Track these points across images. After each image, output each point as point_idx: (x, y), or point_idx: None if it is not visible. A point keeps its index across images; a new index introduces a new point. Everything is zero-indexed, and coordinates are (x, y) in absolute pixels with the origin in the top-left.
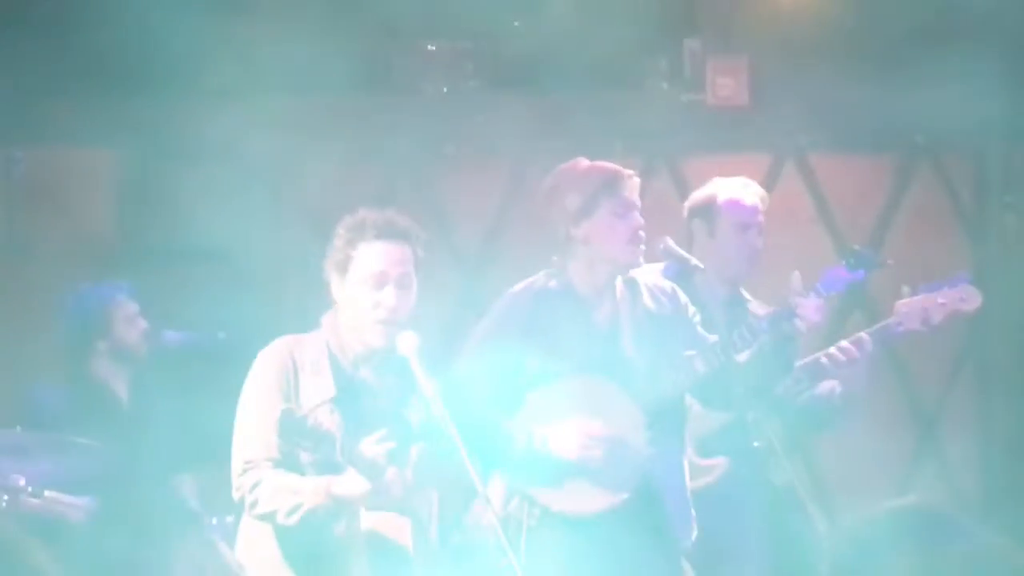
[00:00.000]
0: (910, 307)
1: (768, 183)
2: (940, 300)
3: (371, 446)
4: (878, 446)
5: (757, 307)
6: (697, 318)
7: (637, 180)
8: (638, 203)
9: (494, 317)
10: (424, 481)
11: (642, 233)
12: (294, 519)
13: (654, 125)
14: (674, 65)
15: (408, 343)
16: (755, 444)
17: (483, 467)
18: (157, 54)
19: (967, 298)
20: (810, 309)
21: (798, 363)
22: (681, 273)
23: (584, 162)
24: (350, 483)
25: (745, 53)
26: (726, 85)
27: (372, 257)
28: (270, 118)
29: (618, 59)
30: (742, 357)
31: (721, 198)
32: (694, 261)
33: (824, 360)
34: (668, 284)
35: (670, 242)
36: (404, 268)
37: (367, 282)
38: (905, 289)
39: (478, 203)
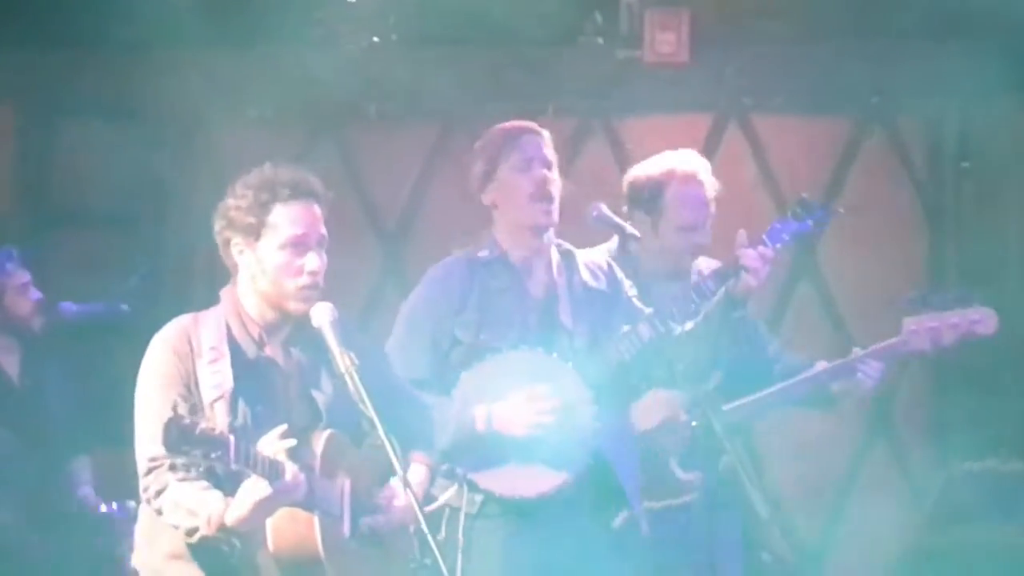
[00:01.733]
0: (919, 326)
1: (709, 145)
2: (953, 320)
3: (271, 444)
4: (827, 428)
5: (703, 264)
6: (633, 292)
7: (544, 134)
8: (546, 157)
9: (424, 289)
10: (333, 470)
11: (550, 186)
12: (193, 540)
13: (589, 83)
14: (610, 19)
15: (323, 314)
16: (692, 424)
17: (404, 448)
18: (58, 2)
19: (983, 320)
20: (756, 259)
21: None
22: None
23: (497, 126)
24: (245, 500)
25: (685, 7)
26: (665, 41)
27: (290, 219)
28: (180, 73)
29: (551, 13)
30: (688, 326)
31: (669, 193)
32: (629, 229)
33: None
34: (604, 259)
35: (603, 208)
36: (321, 229)
37: (287, 248)
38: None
39: (401, 166)
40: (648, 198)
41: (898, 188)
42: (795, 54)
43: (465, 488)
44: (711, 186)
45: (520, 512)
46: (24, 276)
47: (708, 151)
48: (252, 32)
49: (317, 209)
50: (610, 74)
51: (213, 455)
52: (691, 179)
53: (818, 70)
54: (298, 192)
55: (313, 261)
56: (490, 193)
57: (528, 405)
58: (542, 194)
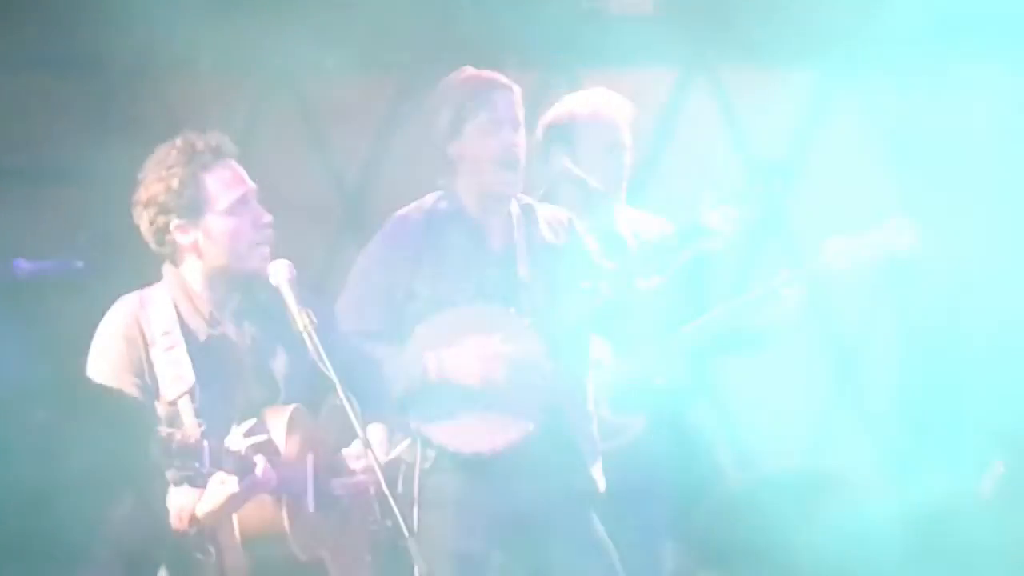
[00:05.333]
0: (841, 246)
1: (675, 98)
2: (872, 238)
3: (238, 440)
4: (793, 385)
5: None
6: (595, 247)
7: (516, 91)
8: (516, 118)
9: (380, 241)
10: (297, 447)
11: (517, 152)
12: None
13: (551, 34)
14: None
15: (280, 272)
16: (657, 381)
17: (364, 408)
18: None
19: (901, 231)
20: (719, 219)
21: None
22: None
23: (466, 72)
24: (216, 495)
25: None
26: None
27: (224, 183)
28: (130, 25)
29: None
30: (652, 283)
31: (581, 117)
32: (593, 183)
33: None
34: (564, 214)
35: (567, 163)
36: (251, 183)
37: (233, 212)
38: (783, 271)
39: (360, 122)
40: (561, 125)
41: (868, 142)
42: (762, 4)
43: (418, 443)
44: (623, 106)
45: (473, 467)
46: None
47: (673, 105)
48: None
49: (237, 164)
50: (573, 25)
51: (191, 466)
52: (601, 100)
53: (787, 19)
54: (218, 154)
55: (261, 215)
56: (456, 147)
57: (479, 357)
58: (509, 160)
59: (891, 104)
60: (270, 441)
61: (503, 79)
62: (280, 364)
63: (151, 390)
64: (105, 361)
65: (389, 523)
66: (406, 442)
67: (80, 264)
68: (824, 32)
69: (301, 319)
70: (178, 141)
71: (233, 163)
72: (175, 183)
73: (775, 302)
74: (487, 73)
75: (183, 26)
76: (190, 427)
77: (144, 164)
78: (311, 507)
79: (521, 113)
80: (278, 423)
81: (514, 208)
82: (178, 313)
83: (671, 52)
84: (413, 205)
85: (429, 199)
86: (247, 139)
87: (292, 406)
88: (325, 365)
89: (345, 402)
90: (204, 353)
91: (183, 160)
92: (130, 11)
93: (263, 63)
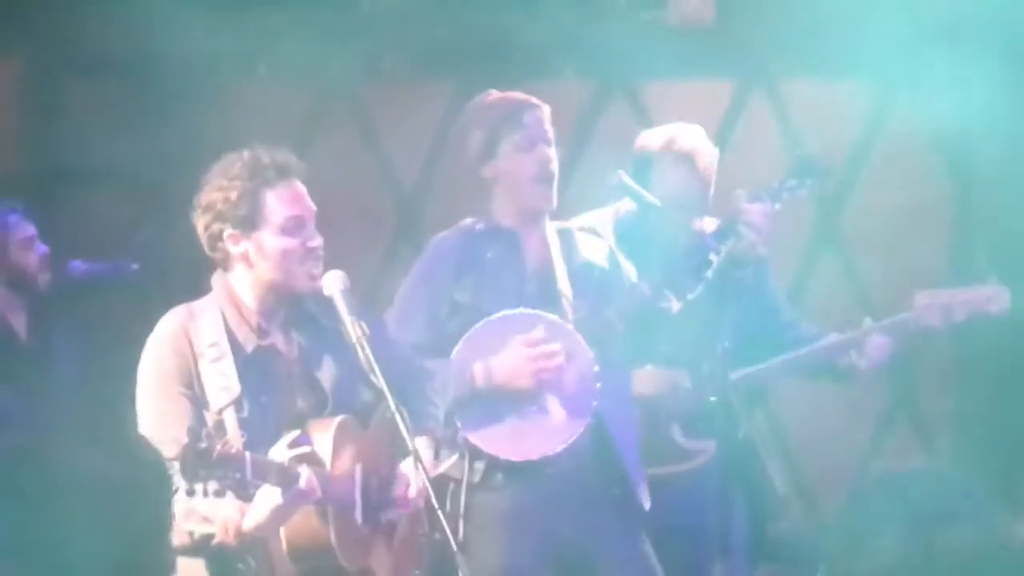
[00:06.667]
0: (930, 301)
1: (734, 110)
2: (965, 296)
3: (282, 451)
4: (848, 402)
5: (707, 224)
6: (632, 273)
7: (545, 110)
8: (547, 135)
9: (420, 262)
10: (345, 459)
11: (552, 167)
12: (207, 550)
13: (611, 45)
14: None
15: (334, 282)
16: (711, 399)
17: (413, 420)
18: None
19: (995, 298)
20: (755, 214)
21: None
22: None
23: (492, 95)
24: (262, 508)
25: None
26: (690, 2)
27: (284, 202)
28: (189, 29)
29: None
30: (690, 297)
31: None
32: (650, 198)
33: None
34: (604, 242)
35: (624, 176)
36: (311, 204)
37: (287, 232)
38: (867, 321)
39: (417, 127)
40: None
41: (925, 156)
42: (823, 15)
43: (466, 457)
44: (707, 161)
45: (522, 480)
46: (29, 229)
47: (732, 116)
48: None
49: (300, 185)
50: (633, 36)
51: (232, 476)
52: (684, 157)
53: (846, 32)
54: (283, 173)
55: (314, 238)
56: (490, 168)
57: (528, 354)
58: (545, 175)
59: (948, 117)
60: (314, 452)
61: (532, 99)
62: (328, 374)
63: (200, 401)
64: (155, 371)
65: (438, 535)
66: (454, 457)
67: (135, 266)
68: (882, 45)
69: (354, 330)
70: (245, 153)
71: (297, 183)
72: (234, 195)
73: (858, 348)
74: (514, 94)
75: (242, 32)
76: (232, 437)
77: (209, 168)
78: (359, 519)
79: (551, 129)
80: (324, 434)
81: (550, 228)
82: (226, 324)
83: (730, 64)
84: (450, 229)
85: (466, 222)
86: (303, 145)
87: (340, 417)
88: (376, 376)
89: (396, 415)
90: (252, 364)
91: (247, 174)
92: (189, 17)
93: (320, 69)
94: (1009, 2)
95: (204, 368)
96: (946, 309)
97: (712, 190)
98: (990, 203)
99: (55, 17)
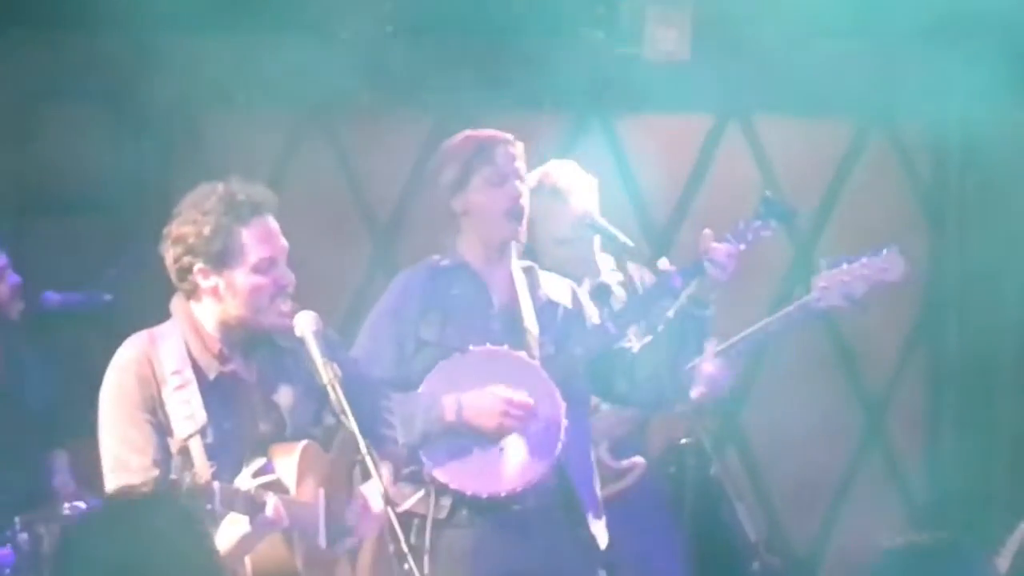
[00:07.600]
0: (829, 281)
1: (709, 145)
2: (861, 272)
3: (247, 480)
4: (822, 437)
5: (632, 269)
6: (595, 314)
7: (518, 146)
8: (519, 170)
9: (385, 297)
10: (308, 484)
11: (523, 203)
12: None
13: (586, 79)
14: (610, 13)
15: (306, 323)
16: (683, 441)
17: (375, 446)
18: None
19: (890, 267)
20: (721, 253)
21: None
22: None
23: (466, 133)
24: (228, 536)
25: (688, 2)
26: (667, 38)
27: (258, 240)
28: (164, 58)
29: (549, 5)
30: (647, 339)
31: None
32: (622, 237)
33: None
34: (567, 282)
35: (596, 216)
36: (283, 242)
37: (259, 270)
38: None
39: (393, 159)
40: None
41: (900, 190)
42: (799, 53)
43: (433, 493)
44: (582, 196)
45: (487, 517)
46: (1, 259)
47: (707, 152)
48: (241, 17)
49: (273, 221)
50: (608, 70)
51: (201, 504)
52: (557, 193)
53: (821, 69)
54: (257, 209)
55: (285, 276)
56: (460, 201)
57: (502, 395)
58: (516, 210)
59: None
60: (279, 480)
61: (506, 135)
62: (285, 398)
63: (163, 428)
64: (117, 399)
65: (406, 567)
66: (420, 493)
67: (108, 297)
68: (859, 82)
69: (326, 372)
70: (220, 187)
71: (270, 220)
72: (207, 230)
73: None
74: (488, 131)
75: (219, 61)
76: (201, 468)
77: (182, 199)
78: (323, 543)
79: (524, 165)
80: (288, 460)
81: (515, 267)
82: (189, 351)
83: (705, 99)
84: (415, 265)
85: (432, 259)
86: (280, 175)
87: (304, 442)
88: (348, 419)
89: (367, 458)
90: (214, 391)
91: (221, 208)
92: (165, 45)
93: (298, 99)
94: (991, 34)
95: (168, 395)
96: (845, 287)
97: (603, 221)
98: (962, 241)
99: (28, 47)
